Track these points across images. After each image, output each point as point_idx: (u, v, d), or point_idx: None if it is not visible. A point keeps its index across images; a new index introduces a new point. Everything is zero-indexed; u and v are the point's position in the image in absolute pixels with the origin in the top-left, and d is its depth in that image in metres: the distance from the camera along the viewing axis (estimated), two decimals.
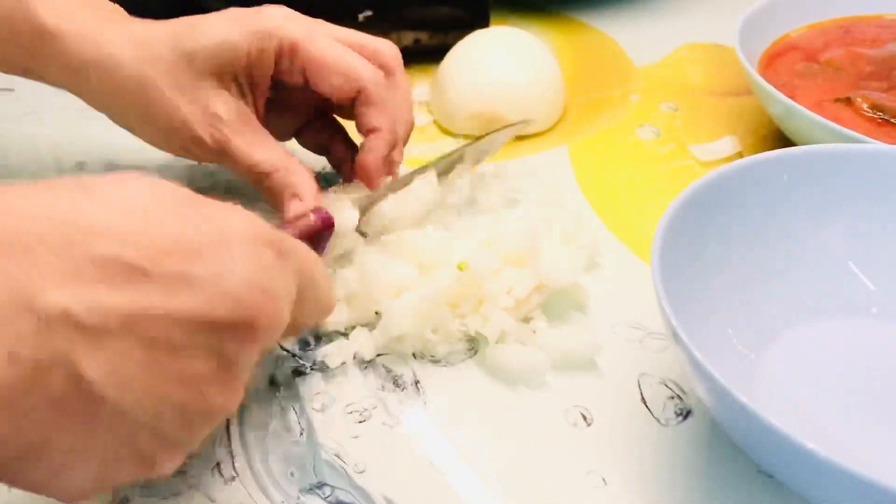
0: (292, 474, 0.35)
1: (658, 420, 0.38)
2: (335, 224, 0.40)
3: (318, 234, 0.39)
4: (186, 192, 0.26)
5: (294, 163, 0.43)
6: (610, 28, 0.73)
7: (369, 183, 0.44)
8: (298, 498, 0.34)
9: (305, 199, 0.42)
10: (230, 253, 0.25)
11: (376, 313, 0.41)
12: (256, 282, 0.25)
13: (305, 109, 0.48)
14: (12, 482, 0.25)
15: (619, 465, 0.36)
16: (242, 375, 0.27)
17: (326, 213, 0.40)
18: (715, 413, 0.33)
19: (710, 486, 0.35)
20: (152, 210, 0.25)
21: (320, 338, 0.42)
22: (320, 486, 0.35)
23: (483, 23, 0.66)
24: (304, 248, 0.30)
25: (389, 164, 0.45)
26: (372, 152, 0.44)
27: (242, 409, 0.38)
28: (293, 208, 0.42)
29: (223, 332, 0.25)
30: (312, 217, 0.39)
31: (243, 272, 0.25)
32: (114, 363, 0.23)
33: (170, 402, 0.24)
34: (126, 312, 0.23)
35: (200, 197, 0.27)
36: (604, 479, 0.35)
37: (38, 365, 0.22)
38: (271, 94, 0.45)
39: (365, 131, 0.44)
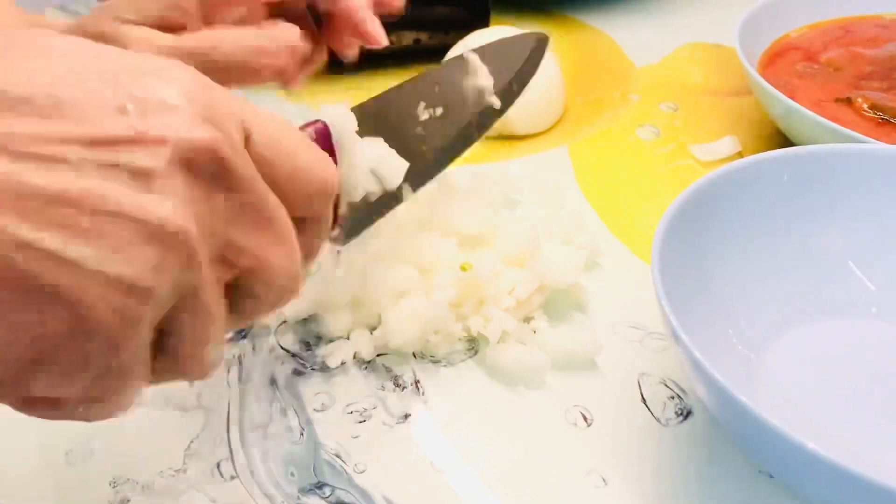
0: (292, 474, 0.35)
1: (658, 420, 0.38)
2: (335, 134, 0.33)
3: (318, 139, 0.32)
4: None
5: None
6: (610, 28, 0.73)
7: (365, 32, 0.40)
8: (298, 498, 0.34)
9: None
10: (150, 77, 0.23)
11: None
12: (171, 100, 0.23)
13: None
14: None
15: (619, 465, 0.36)
16: (185, 197, 0.23)
17: (323, 123, 0.33)
18: (715, 413, 0.33)
19: (710, 486, 0.35)
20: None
21: (320, 338, 0.42)
22: (320, 486, 0.35)
23: (483, 23, 0.66)
24: (255, 106, 0.26)
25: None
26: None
27: (242, 410, 0.38)
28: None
29: (133, 146, 0.22)
30: (308, 130, 0.32)
31: (160, 93, 0.23)
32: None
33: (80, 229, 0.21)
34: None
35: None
36: (604, 479, 0.35)
37: None
38: None
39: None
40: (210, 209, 0.23)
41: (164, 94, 0.23)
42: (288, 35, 0.38)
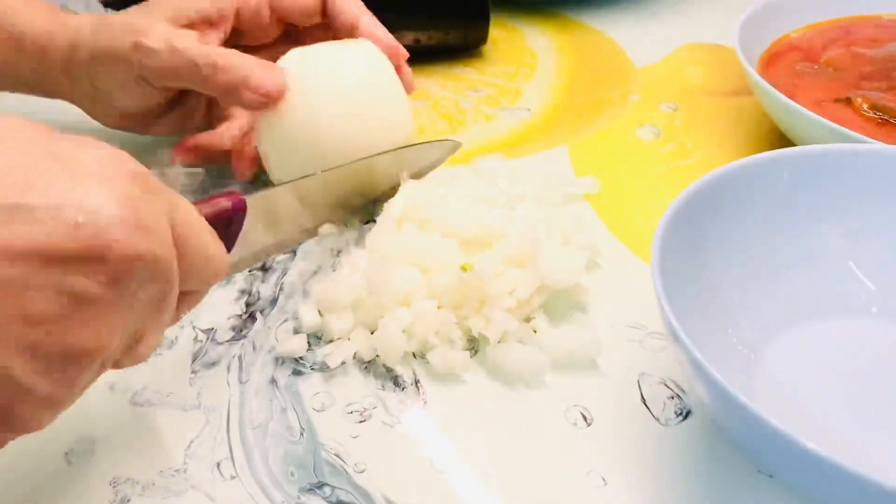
0: (292, 474, 0.35)
1: (658, 420, 0.38)
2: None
3: (229, 219, 0.36)
4: (43, 128, 0.24)
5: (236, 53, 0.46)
6: (610, 28, 0.73)
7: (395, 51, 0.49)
8: (298, 498, 0.34)
9: (262, 80, 0.44)
10: (73, 182, 0.23)
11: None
12: (106, 210, 0.23)
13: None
14: None
15: (619, 465, 0.36)
16: (114, 313, 0.24)
17: (239, 195, 0.36)
18: (715, 413, 0.33)
19: (710, 486, 0.35)
20: None
21: (320, 338, 0.42)
22: (320, 485, 0.35)
23: (483, 23, 0.66)
24: (179, 197, 0.28)
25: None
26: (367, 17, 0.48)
27: (242, 409, 0.38)
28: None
29: (66, 266, 0.23)
30: (224, 200, 0.36)
31: (89, 200, 0.23)
32: None
33: (15, 343, 0.22)
34: None
35: (59, 134, 0.25)
36: (604, 479, 0.35)
37: None
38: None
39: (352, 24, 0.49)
40: (133, 303, 0.25)
41: (98, 201, 0.23)
42: (277, 75, 0.45)
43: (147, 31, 0.45)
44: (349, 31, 0.50)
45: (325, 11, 0.50)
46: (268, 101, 0.45)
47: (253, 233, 0.40)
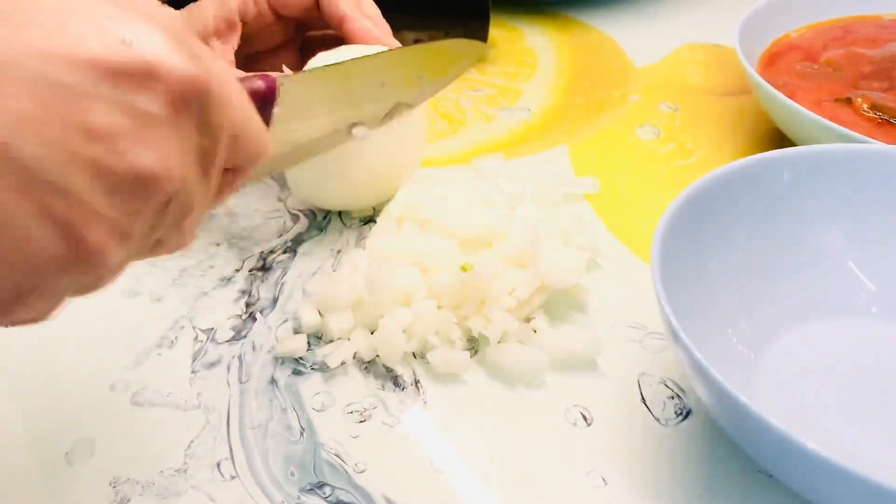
0: (292, 474, 0.35)
1: (658, 420, 0.38)
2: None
3: (263, 100, 0.35)
4: None
5: None
6: (610, 28, 0.73)
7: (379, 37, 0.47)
8: (298, 498, 0.34)
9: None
10: (128, 11, 0.24)
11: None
12: (162, 35, 0.24)
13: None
14: None
15: (619, 465, 0.36)
16: (174, 141, 0.24)
17: (272, 77, 0.36)
18: (715, 413, 0.33)
19: (710, 486, 0.35)
20: None
21: (320, 338, 0.42)
22: (320, 485, 0.35)
23: (483, 23, 0.66)
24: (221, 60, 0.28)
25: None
26: (360, 21, 0.47)
27: (242, 409, 0.38)
28: None
29: (124, 80, 0.23)
30: (258, 80, 0.35)
31: (145, 27, 0.23)
32: (1, 100, 0.21)
33: (77, 154, 0.22)
34: (8, 40, 0.21)
35: None
36: (604, 479, 0.35)
37: None
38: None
39: (340, 20, 0.48)
40: (193, 137, 0.25)
41: (154, 28, 0.24)
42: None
43: None
44: (338, 24, 0.49)
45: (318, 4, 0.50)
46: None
47: (286, 122, 0.39)
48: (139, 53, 0.23)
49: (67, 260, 0.23)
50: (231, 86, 0.27)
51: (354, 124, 0.45)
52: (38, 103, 0.21)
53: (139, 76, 0.23)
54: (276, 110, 0.36)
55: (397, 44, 0.49)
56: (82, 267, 0.24)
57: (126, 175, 0.23)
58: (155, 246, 0.27)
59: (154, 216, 0.25)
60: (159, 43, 0.23)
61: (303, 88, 0.41)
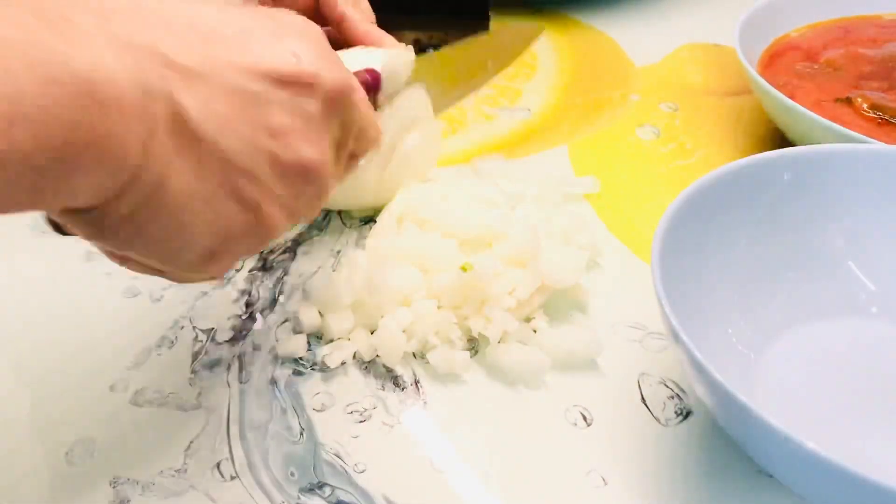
0: (292, 474, 0.35)
1: (658, 420, 0.38)
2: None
3: (368, 91, 0.39)
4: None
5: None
6: (610, 28, 0.73)
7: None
8: (298, 498, 0.34)
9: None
10: (286, 31, 0.29)
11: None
12: (315, 49, 0.29)
13: None
14: (140, 239, 0.27)
15: (619, 465, 0.36)
16: (324, 136, 0.30)
17: (375, 71, 0.41)
18: (715, 413, 0.33)
19: (710, 486, 0.35)
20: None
21: (320, 338, 0.42)
22: (320, 486, 0.35)
23: (483, 23, 0.66)
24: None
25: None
26: (359, 22, 0.48)
27: (242, 410, 0.38)
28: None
29: (293, 88, 0.28)
30: (365, 73, 0.40)
31: (305, 40, 0.29)
32: (206, 101, 0.26)
33: (262, 148, 0.27)
34: (209, 56, 0.26)
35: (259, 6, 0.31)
36: (604, 479, 0.35)
37: (146, 90, 0.24)
38: None
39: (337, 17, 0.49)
40: (336, 132, 0.31)
41: (309, 45, 0.29)
42: None
43: None
44: (337, 24, 0.49)
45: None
46: None
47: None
48: (306, 65, 0.28)
49: (250, 229, 0.29)
50: (359, 88, 0.32)
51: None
52: (235, 107, 0.27)
53: (305, 84, 0.28)
54: (380, 97, 0.41)
55: (396, 45, 0.49)
56: (260, 234, 0.29)
57: (294, 164, 0.29)
58: (294, 221, 0.32)
59: (312, 192, 0.31)
60: (318, 55, 0.29)
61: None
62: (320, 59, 0.29)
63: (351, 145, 0.33)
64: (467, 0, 0.65)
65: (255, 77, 0.27)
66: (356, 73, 0.39)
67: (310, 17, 0.50)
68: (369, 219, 0.50)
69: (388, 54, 0.47)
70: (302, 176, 0.29)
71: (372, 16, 0.50)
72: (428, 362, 0.40)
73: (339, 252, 0.47)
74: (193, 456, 0.36)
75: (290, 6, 0.49)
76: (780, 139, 0.56)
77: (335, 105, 0.30)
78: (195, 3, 0.28)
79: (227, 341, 0.42)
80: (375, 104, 0.40)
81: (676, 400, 0.38)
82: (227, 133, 0.26)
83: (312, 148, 0.29)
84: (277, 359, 0.41)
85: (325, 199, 0.32)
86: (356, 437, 0.37)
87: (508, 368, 0.39)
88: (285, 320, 0.43)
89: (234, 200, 0.28)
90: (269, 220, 0.29)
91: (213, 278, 0.31)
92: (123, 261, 0.29)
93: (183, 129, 0.25)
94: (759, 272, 0.40)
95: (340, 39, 0.50)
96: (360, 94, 0.32)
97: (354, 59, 0.46)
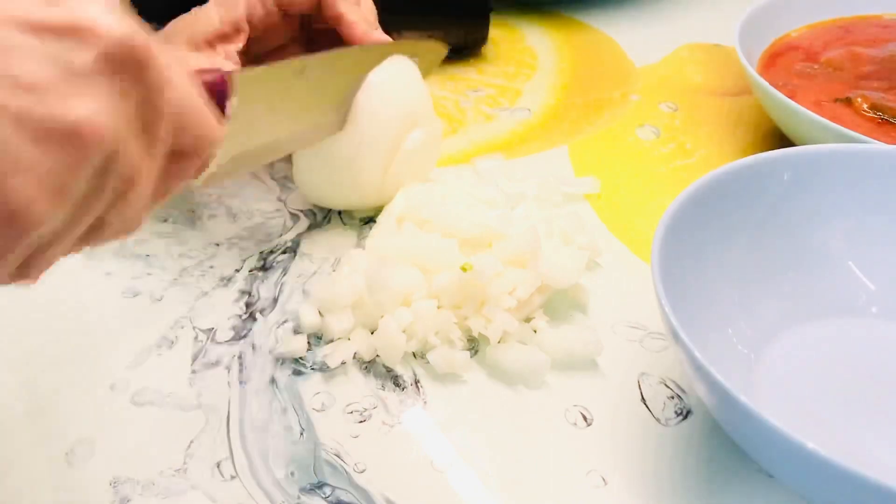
0: (292, 474, 0.35)
1: (658, 420, 0.38)
2: None
3: (219, 93, 0.36)
4: None
5: None
6: (610, 28, 0.73)
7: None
8: (298, 498, 0.34)
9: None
10: None
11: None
12: (99, 5, 0.24)
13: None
14: None
15: (619, 465, 0.36)
16: (106, 97, 0.24)
17: (225, 72, 0.37)
18: (715, 413, 0.33)
19: (710, 486, 0.35)
20: None
21: (320, 338, 0.42)
22: (320, 486, 0.35)
23: (483, 23, 0.66)
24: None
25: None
26: (355, 22, 0.48)
27: (242, 409, 0.38)
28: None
29: (55, 35, 0.23)
30: (213, 73, 0.36)
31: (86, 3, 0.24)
32: None
33: (2, 104, 0.22)
34: None
35: None
36: (604, 479, 0.35)
37: None
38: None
39: (335, 17, 0.48)
40: (130, 104, 0.25)
41: (90, 3, 0.24)
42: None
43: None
44: (336, 24, 0.49)
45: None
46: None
47: (247, 117, 0.39)
48: (68, 11, 0.24)
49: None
50: (174, 67, 0.27)
51: (319, 125, 0.45)
52: None
53: (67, 30, 0.23)
54: (231, 102, 0.36)
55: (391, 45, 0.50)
56: (10, 221, 0.23)
57: (52, 123, 0.23)
58: (98, 225, 0.27)
59: (92, 179, 0.25)
60: (93, 6, 0.24)
61: (261, 84, 0.41)
62: (101, 11, 0.24)
63: (166, 136, 0.27)
64: (467, 0, 0.65)
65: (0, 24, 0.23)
66: (201, 70, 0.36)
67: (312, 17, 0.51)
68: (369, 219, 0.50)
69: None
70: (70, 138, 0.24)
71: (372, 16, 0.50)
72: (428, 362, 0.40)
73: (339, 252, 0.47)
74: (193, 456, 0.36)
75: (291, 6, 0.50)
76: (780, 139, 0.56)
77: (121, 65, 0.25)
78: None
79: (227, 341, 0.42)
80: (223, 109, 0.36)
81: (676, 400, 0.38)
82: None
83: (80, 105, 0.24)
84: (277, 359, 0.41)
85: (141, 205, 0.27)
86: (356, 437, 0.37)
87: (508, 368, 0.39)
88: (285, 320, 0.43)
89: None
90: (20, 198, 0.23)
91: None
92: None
93: None
94: (760, 272, 0.40)
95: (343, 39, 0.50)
96: (170, 71, 0.27)
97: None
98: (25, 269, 0.26)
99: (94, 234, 0.27)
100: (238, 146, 0.39)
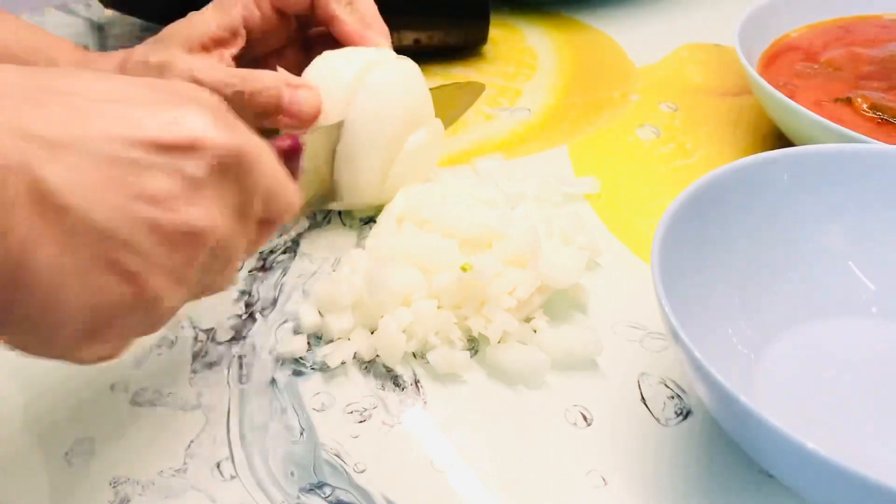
0: (292, 474, 0.35)
1: (658, 420, 0.38)
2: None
3: (289, 157, 0.40)
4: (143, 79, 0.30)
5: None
6: (610, 28, 0.73)
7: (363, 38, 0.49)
8: (298, 498, 0.34)
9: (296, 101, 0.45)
10: (172, 96, 0.29)
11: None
12: (203, 114, 0.28)
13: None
14: (8, 319, 0.26)
15: (619, 465, 0.36)
16: (216, 199, 0.29)
17: (296, 137, 0.40)
18: (715, 413, 0.33)
19: (710, 486, 0.35)
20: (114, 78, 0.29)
21: (320, 338, 0.42)
22: (320, 486, 0.35)
23: (483, 23, 0.66)
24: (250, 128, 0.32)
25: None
26: (348, 23, 0.49)
27: (242, 409, 0.38)
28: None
29: (175, 152, 0.27)
30: (283, 139, 0.40)
31: (193, 106, 0.28)
32: (72, 171, 0.25)
33: (138, 215, 0.26)
34: (78, 126, 0.26)
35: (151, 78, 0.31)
36: (604, 479, 0.35)
37: None
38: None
39: (328, 18, 0.49)
40: (233, 197, 0.30)
41: (197, 110, 0.28)
42: (313, 96, 0.46)
43: (171, 67, 0.45)
44: (329, 25, 0.50)
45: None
46: (305, 124, 0.45)
47: (311, 173, 0.44)
48: (188, 129, 0.28)
49: (132, 302, 0.27)
50: (263, 151, 0.31)
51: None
52: (104, 175, 0.26)
53: (186, 147, 0.27)
54: (302, 162, 0.41)
55: (389, 44, 0.50)
56: (145, 308, 0.28)
57: (179, 229, 0.27)
58: (204, 288, 0.31)
59: (203, 264, 0.29)
60: (203, 120, 0.28)
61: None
62: (209, 123, 0.28)
63: (259, 211, 0.31)
64: (467, 0, 0.65)
65: (128, 145, 0.26)
66: (276, 140, 0.39)
67: (306, 18, 0.51)
68: (369, 219, 0.50)
69: (377, 52, 0.48)
70: (189, 240, 0.28)
71: (369, 17, 0.50)
72: (428, 362, 0.40)
73: (339, 252, 0.47)
74: (193, 456, 0.36)
75: (287, 7, 0.50)
76: (780, 139, 0.56)
77: (227, 169, 0.29)
78: (79, 75, 0.28)
79: (227, 341, 0.42)
80: (296, 169, 0.40)
81: (676, 400, 0.38)
82: (96, 202, 0.25)
83: (199, 211, 0.28)
84: (277, 359, 0.41)
85: (234, 267, 0.31)
86: (356, 437, 0.37)
87: (508, 368, 0.40)
88: (285, 320, 0.43)
89: (110, 273, 0.26)
90: (153, 290, 0.27)
91: (106, 358, 0.29)
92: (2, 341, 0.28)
93: (45, 200, 0.24)
94: (759, 272, 0.40)
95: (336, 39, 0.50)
96: (262, 158, 0.31)
97: (344, 60, 0.47)
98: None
99: (200, 294, 0.32)
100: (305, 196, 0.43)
